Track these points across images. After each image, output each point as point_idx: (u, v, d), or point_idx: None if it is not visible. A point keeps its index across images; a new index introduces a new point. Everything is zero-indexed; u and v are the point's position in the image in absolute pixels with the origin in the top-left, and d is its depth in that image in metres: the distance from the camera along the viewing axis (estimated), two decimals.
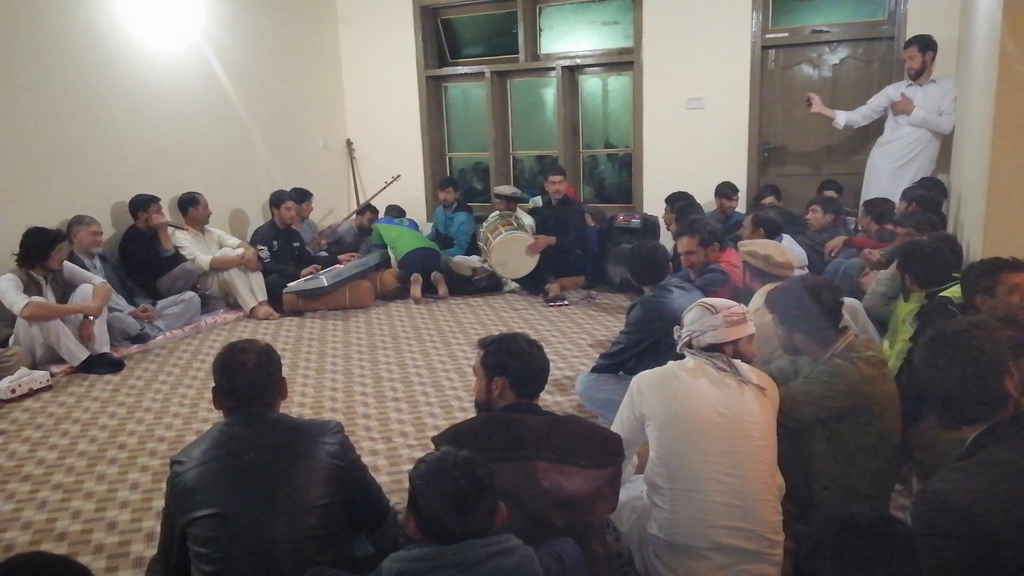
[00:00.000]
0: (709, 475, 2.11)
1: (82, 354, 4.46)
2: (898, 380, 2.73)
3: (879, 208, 5.02)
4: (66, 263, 4.64)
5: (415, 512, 1.60)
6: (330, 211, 7.69)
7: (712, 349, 2.31)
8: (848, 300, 3.33)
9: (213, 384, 2.08)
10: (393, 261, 6.44)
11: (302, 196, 6.69)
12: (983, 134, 3.50)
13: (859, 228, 5.27)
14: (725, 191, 5.99)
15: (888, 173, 5.42)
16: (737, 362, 2.28)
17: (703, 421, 2.14)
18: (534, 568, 1.64)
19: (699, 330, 2.34)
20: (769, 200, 5.77)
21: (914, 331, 3.19)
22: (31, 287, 4.40)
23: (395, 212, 7.14)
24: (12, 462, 3.35)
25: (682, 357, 2.37)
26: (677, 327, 2.46)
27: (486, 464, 1.65)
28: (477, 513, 1.58)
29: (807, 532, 1.38)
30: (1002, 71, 3.23)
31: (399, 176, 7.43)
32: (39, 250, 4.43)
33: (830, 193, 5.69)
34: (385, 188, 7.37)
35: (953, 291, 3.14)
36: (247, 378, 2.00)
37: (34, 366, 4.37)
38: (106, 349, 4.61)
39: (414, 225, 6.94)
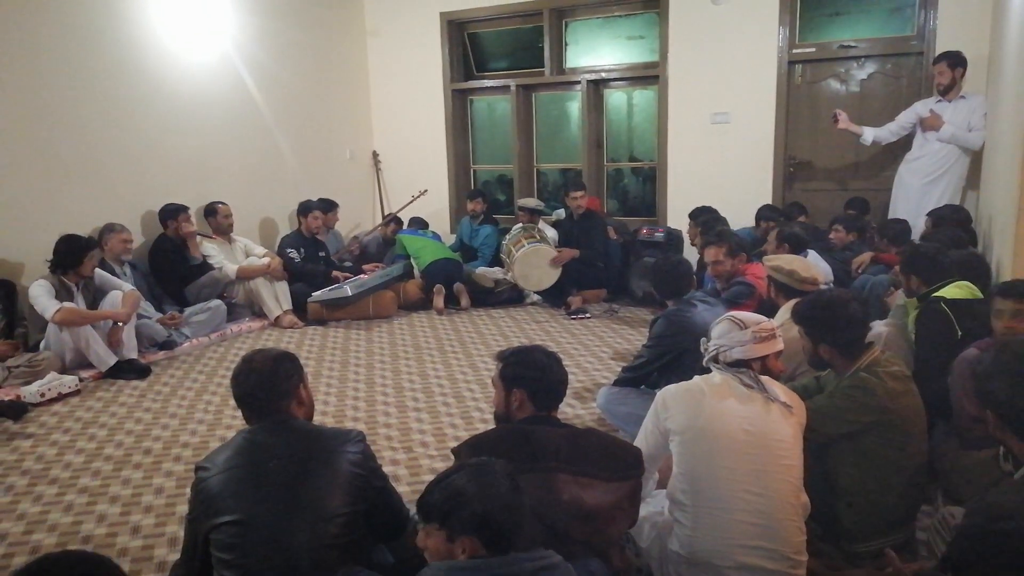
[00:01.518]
0: (733, 492, 2.08)
1: (111, 360, 4.53)
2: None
3: (893, 230, 4.95)
4: (97, 270, 4.71)
5: (466, 521, 1.52)
6: (357, 225, 7.75)
7: (739, 364, 2.27)
8: (879, 328, 3.30)
9: None
10: (416, 271, 6.48)
11: (329, 206, 6.77)
12: (1014, 150, 3.46)
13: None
14: (769, 215, 5.70)
15: (916, 190, 5.35)
16: (764, 379, 2.25)
17: (728, 438, 2.11)
18: None
19: (727, 345, 2.29)
20: (801, 220, 5.68)
21: (914, 338, 3.17)
22: (63, 293, 4.49)
23: (418, 224, 7.19)
24: (40, 465, 3.41)
25: (707, 371, 2.34)
26: (704, 339, 2.41)
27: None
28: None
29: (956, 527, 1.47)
30: None
31: (426, 191, 7.49)
32: (72, 257, 4.52)
33: (851, 212, 5.60)
34: (412, 201, 7.43)
35: (946, 291, 3.11)
36: (248, 388, 2.03)
37: (63, 371, 4.44)
38: (134, 355, 4.68)
39: (437, 237, 6.98)
